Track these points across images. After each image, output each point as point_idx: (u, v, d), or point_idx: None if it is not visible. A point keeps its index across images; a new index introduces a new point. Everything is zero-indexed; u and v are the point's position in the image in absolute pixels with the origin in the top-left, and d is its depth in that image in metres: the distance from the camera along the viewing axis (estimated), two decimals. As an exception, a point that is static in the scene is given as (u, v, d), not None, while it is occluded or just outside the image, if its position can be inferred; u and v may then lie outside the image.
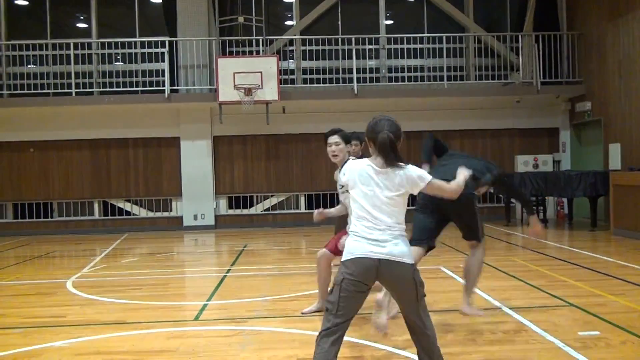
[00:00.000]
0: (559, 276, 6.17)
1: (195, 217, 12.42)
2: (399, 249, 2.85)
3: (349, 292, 2.83)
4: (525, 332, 4.16)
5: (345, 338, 4.05)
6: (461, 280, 6.04)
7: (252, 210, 12.81)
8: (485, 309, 4.85)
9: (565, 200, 12.03)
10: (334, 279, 2.93)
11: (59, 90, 11.92)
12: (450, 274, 6.51)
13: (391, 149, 2.86)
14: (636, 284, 5.72)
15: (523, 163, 12.42)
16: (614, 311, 4.70)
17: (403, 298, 2.94)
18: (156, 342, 4.19)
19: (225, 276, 6.88)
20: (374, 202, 2.89)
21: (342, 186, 3.88)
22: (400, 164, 2.88)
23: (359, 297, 2.90)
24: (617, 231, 9.45)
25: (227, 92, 11.11)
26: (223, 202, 12.73)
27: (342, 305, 2.84)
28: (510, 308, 4.83)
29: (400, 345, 3.77)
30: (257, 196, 12.83)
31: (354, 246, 2.89)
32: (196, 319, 4.82)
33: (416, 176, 2.91)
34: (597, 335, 4.06)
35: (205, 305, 5.33)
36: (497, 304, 5.01)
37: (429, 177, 2.96)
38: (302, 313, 4.81)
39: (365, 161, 2.98)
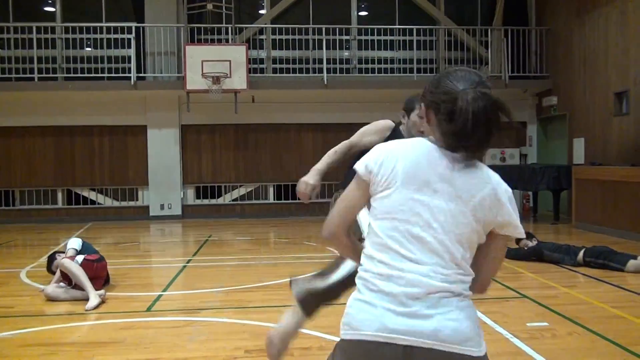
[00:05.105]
0: (516, 268, 6.25)
1: (162, 207, 12.26)
2: (454, 325, 1.50)
3: None
4: (475, 324, 4.19)
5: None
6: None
7: (220, 201, 12.69)
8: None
9: (530, 193, 12.20)
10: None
11: (22, 75, 11.59)
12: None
13: (494, 122, 1.56)
14: (588, 275, 5.82)
15: (490, 156, 12.54)
16: (564, 303, 4.78)
17: None
18: (104, 333, 4.11)
19: (185, 266, 6.80)
20: (428, 222, 1.55)
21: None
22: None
23: None
24: (578, 224, 9.63)
25: (194, 80, 10.94)
26: (190, 192, 12.58)
27: None
28: (464, 299, 4.87)
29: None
30: (225, 186, 12.71)
31: (362, 316, 1.55)
32: (148, 310, 4.74)
33: (505, 196, 1.62)
34: (546, 326, 4.12)
35: (160, 295, 5.25)
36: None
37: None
38: None
39: (422, 141, 1.65)
